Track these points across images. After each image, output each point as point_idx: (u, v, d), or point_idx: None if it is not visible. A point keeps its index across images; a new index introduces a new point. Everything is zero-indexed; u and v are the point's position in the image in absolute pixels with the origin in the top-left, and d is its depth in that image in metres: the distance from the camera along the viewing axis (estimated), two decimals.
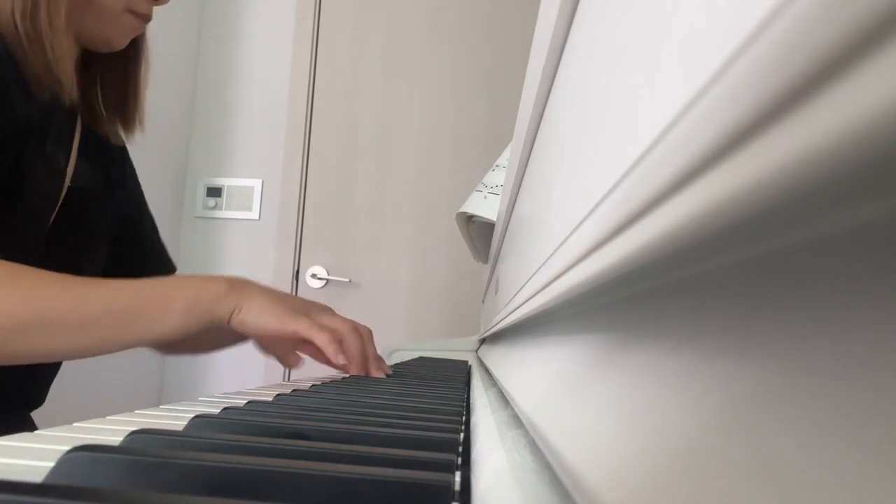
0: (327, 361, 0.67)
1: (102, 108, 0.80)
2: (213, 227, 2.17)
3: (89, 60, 0.78)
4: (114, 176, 0.85)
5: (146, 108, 0.84)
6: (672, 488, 0.10)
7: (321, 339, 0.64)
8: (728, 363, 0.12)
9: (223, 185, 2.18)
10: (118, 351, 0.61)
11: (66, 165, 0.75)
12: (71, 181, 0.76)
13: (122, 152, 0.88)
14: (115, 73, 0.80)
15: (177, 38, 2.09)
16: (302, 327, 0.63)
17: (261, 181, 2.17)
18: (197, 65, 2.23)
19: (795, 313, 0.10)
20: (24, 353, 0.57)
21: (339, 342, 0.66)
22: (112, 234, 0.85)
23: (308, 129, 2.16)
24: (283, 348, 0.74)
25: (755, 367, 0.11)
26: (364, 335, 0.72)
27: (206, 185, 2.18)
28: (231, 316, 0.63)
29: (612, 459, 0.13)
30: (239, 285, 0.65)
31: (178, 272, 0.96)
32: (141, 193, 0.94)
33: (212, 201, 2.16)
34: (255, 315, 0.63)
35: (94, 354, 0.60)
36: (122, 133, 0.82)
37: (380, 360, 0.75)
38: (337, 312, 0.73)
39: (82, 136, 0.79)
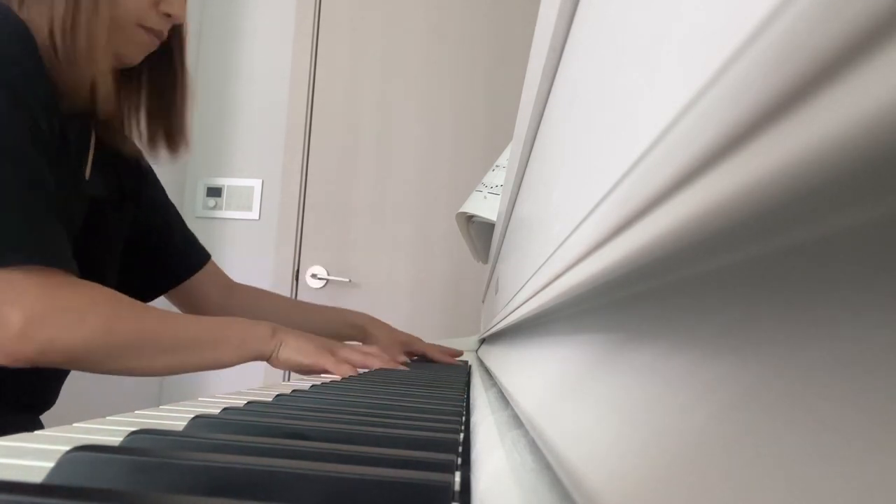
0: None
1: (145, 128, 0.83)
2: (213, 227, 2.17)
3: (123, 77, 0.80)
4: (127, 187, 0.88)
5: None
6: (672, 488, 0.10)
7: (342, 371, 0.76)
8: (728, 363, 0.12)
9: (223, 185, 2.18)
10: (184, 373, 0.73)
11: (85, 178, 0.78)
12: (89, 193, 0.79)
13: (137, 162, 0.90)
14: (159, 92, 0.83)
15: None
16: (329, 364, 0.76)
17: (261, 181, 2.17)
18: (197, 65, 2.23)
19: (795, 313, 0.10)
20: (117, 368, 0.67)
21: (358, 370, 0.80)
22: (124, 242, 0.88)
23: (308, 129, 2.15)
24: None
25: (755, 367, 0.11)
26: (381, 359, 0.85)
27: (206, 185, 2.18)
28: (272, 354, 0.76)
29: (612, 459, 0.13)
30: (280, 331, 0.78)
31: None
32: (165, 196, 0.98)
33: (212, 201, 2.16)
34: (291, 354, 0.76)
35: (168, 374, 0.72)
36: (166, 151, 0.86)
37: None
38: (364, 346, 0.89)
39: (95, 148, 0.81)
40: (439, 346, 1.12)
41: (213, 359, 0.72)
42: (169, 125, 0.84)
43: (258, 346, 0.75)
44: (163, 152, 0.86)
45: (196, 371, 0.74)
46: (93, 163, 0.80)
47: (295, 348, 0.77)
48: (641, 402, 0.15)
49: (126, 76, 0.81)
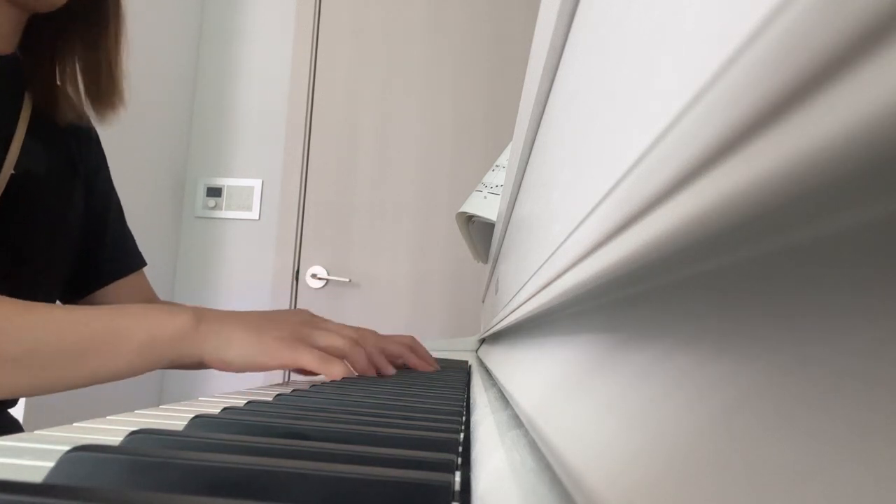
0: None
1: (81, 89, 0.73)
2: (213, 227, 2.17)
3: (48, 31, 0.71)
4: (83, 158, 0.78)
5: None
6: (672, 489, 0.10)
7: (325, 370, 0.59)
8: (728, 364, 0.12)
9: (223, 185, 2.18)
10: (63, 391, 0.53)
11: (5, 151, 0.68)
12: (16, 167, 0.68)
13: (88, 132, 0.80)
14: (82, 46, 0.72)
15: (177, 38, 2.09)
16: (304, 360, 0.59)
17: (261, 181, 2.17)
18: (197, 65, 2.23)
19: (796, 314, 0.10)
20: None
21: (342, 360, 0.63)
22: (77, 220, 0.78)
23: (308, 129, 2.16)
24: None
25: (755, 367, 0.11)
26: (369, 343, 0.69)
27: (206, 185, 2.18)
28: (205, 354, 0.57)
29: (612, 459, 0.13)
30: (209, 318, 0.57)
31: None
32: (109, 180, 0.86)
33: (212, 201, 2.16)
34: (239, 351, 0.57)
35: (34, 395, 0.53)
36: (97, 115, 0.75)
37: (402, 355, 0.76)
38: (330, 320, 0.70)
39: (35, 117, 0.71)
40: (410, 340, 0.83)
41: (99, 370, 0.53)
42: (99, 79, 0.72)
43: (173, 346, 0.55)
44: (96, 112, 0.74)
45: (86, 387, 0.54)
46: (30, 133, 0.70)
47: (243, 342, 0.57)
48: (641, 402, 0.15)
49: (52, 22, 0.71)
